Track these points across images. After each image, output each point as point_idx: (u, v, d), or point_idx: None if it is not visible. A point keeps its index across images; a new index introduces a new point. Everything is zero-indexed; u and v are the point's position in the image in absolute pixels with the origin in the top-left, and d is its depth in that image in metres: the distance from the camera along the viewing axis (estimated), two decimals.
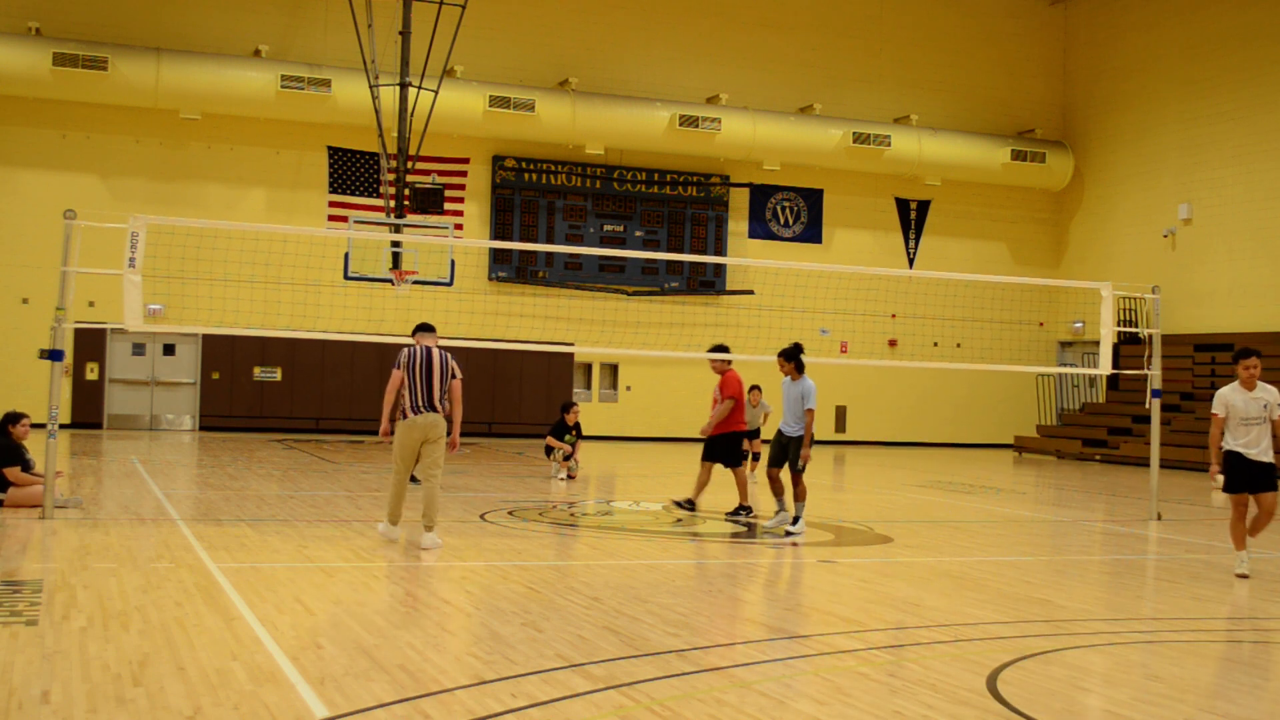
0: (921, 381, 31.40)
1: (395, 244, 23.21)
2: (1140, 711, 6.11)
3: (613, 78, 29.38)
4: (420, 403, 10.60)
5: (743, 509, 13.61)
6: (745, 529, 12.88)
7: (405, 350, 10.76)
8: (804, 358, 12.73)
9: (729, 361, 14.00)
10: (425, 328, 11.06)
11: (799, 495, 12.48)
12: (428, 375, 10.61)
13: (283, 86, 26.03)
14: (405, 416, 10.62)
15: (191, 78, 25.79)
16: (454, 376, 10.79)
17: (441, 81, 25.34)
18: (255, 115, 26.67)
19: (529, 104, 27.72)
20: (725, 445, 13.66)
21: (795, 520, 12.46)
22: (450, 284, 25.24)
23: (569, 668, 6.50)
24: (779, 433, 12.73)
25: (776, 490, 12.82)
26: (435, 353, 10.76)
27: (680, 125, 28.66)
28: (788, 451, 12.56)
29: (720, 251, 29.77)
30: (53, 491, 11.74)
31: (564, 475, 17.48)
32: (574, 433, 17.94)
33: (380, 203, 26.59)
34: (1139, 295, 17.44)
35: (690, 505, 13.77)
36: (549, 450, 17.90)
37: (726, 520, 13.41)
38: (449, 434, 10.86)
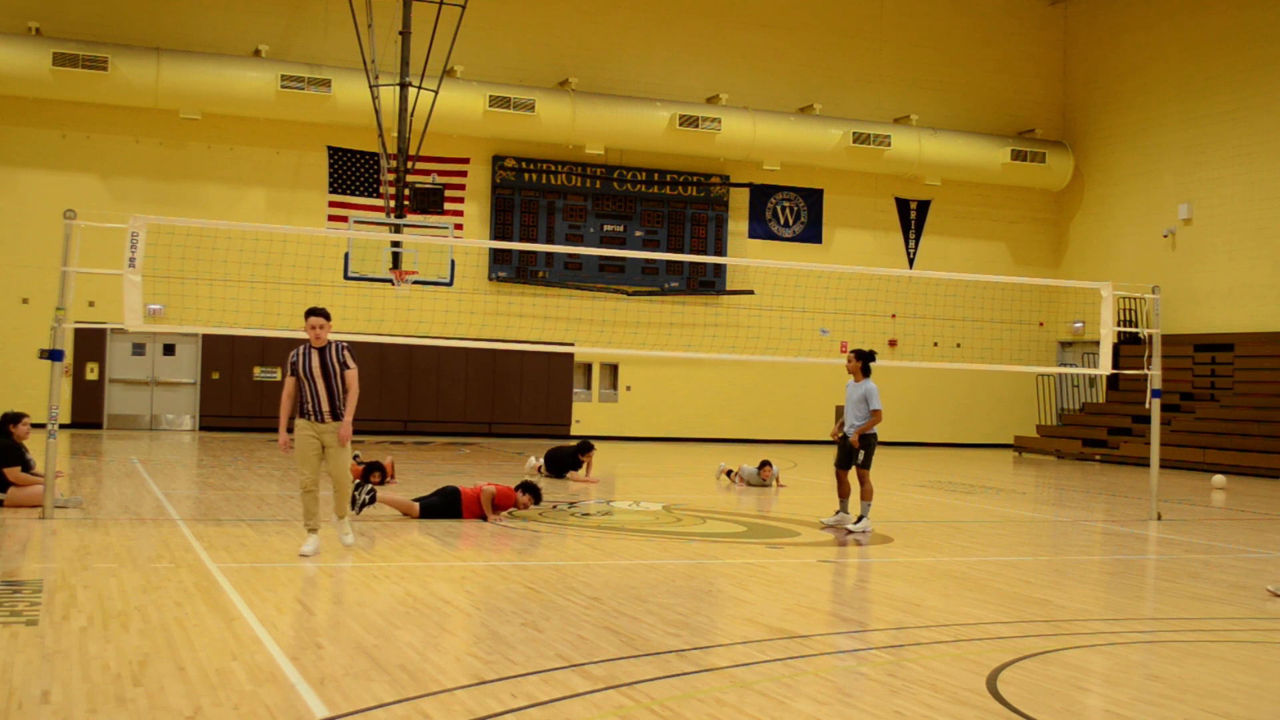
0: (921, 381, 31.37)
1: (395, 244, 23.21)
2: (1140, 711, 6.11)
3: (613, 78, 29.38)
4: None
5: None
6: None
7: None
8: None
9: None
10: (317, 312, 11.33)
11: (865, 495, 12.88)
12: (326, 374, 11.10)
13: (283, 86, 26.03)
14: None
15: (191, 78, 25.78)
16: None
17: (441, 81, 25.34)
18: (255, 115, 26.67)
19: (529, 104, 27.72)
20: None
21: (859, 519, 12.83)
22: (450, 284, 25.26)
23: (569, 668, 6.50)
24: (844, 435, 13.07)
25: (843, 491, 13.14)
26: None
27: (680, 125, 28.65)
28: (853, 453, 12.95)
29: (720, 251, 29.75)
30: (53, 491, 11.74)
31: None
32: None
33: (380, 203, 26.59)
34: (1139, 295, 17.43)
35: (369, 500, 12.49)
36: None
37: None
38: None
